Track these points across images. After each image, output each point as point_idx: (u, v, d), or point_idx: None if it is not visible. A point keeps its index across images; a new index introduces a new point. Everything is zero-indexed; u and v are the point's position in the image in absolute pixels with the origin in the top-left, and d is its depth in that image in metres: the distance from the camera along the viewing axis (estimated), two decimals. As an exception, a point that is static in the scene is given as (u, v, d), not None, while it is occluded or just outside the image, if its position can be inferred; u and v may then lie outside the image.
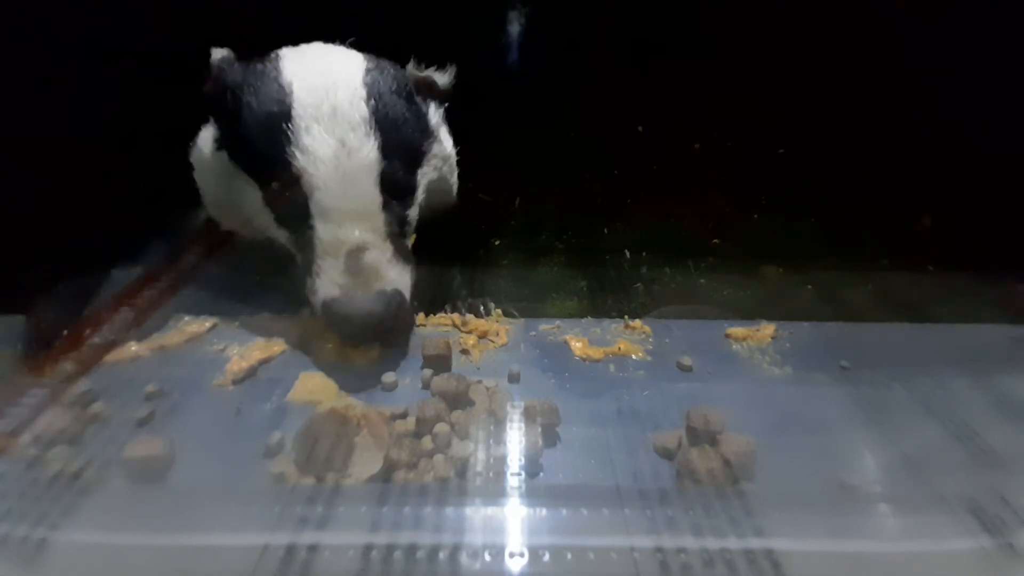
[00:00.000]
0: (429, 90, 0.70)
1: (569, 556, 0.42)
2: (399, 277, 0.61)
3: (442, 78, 0.71)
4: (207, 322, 0.70)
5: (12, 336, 0.68)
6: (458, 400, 0.56)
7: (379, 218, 0.60)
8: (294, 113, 0.59)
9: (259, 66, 0.64)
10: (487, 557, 0.42)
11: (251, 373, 0.62)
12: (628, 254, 0.99)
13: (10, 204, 0.75)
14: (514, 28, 0.96)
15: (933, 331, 0.76)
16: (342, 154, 0.58)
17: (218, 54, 0.66)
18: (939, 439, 0.56)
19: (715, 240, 1.03)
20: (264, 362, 0.64)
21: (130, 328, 0.68)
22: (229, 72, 0.64)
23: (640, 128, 1.01)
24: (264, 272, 0.78)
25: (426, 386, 0.59)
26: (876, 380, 0.64)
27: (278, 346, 0.66)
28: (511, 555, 0.42)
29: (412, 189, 0.65)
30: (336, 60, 0.65)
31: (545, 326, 0.73)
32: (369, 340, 0.63)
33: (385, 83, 0.64)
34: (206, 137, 0.69)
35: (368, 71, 0.64)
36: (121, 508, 0.47)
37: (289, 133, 0.58)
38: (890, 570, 0.43)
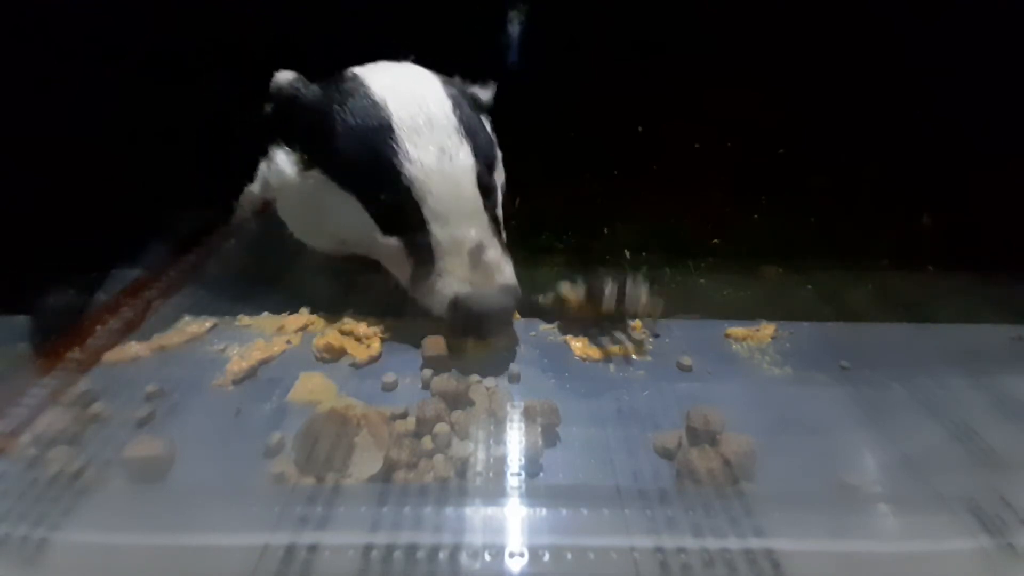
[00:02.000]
0: (478, 105, 0.74)
1: (569, 556, 0.42)
2: (511, 271, 0.65)
3: (484, 93, 0.76)
4: (207, 322, 0.70)
5: (12, 336, 0.68)
6: (458, 400, 0.56)
7: (483, 217, 0.64)
8: (395, 126, 0.62)
9: (341, 86, 0.66)
10: (487, 557, 0.42)
11: (251, 373, 0.62)
12: (628, 254, 0.99)
13: (10, 204, 0.75)
14: (514, 28, 0.96)
15: (933, 331, 0.76)
16: (444, 160, 0.62)
17: (285, 76, 0.67)
18: (939, 439, 0.56)
19: (715, 240, 1.03)
20: (264, 362, 0.64)
21: (130, 328, 0.68)
22: (306, 94, 0.67)
23: (640, 128, 1.01)
24: (264, 272, 0.78)
25: (426, 386, 0.59)
26: (876, 380, 0.63)
27: (278, 346, 0.66)
28: (511, 555, 0.42)
29: (495, 190, 0.69)
30: (414, 76, 0.68)
31: (545, 326, 0.73)
32: (497, 333, 0.64)
33: (460, 95, 0.68)
34: (284, 160, 0.69)
35: (444, 84, 0.68)
36: (121, 508, 0.47)
37: (394, 145, 0.61)
38: (890, 570, 0.43)
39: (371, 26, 0.83)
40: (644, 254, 0.91)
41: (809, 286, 0.91)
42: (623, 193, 1.02)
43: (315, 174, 0.66)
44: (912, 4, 0.91)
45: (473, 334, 0.63)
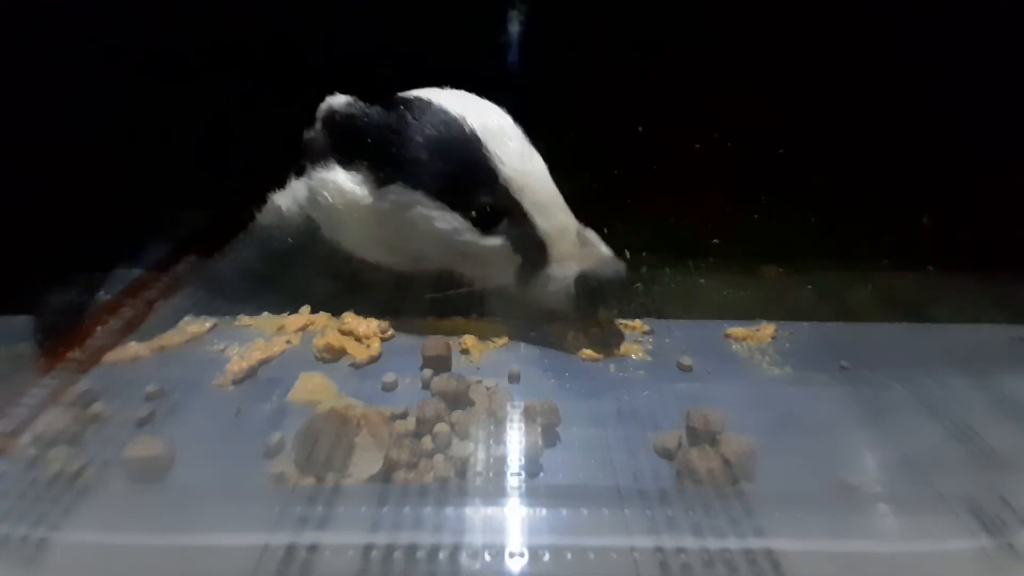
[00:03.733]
0: None
1: (569, 556, 0.42)
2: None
3: None
4: (207, 322, 0.70)
5: (12, 336, 0.68)
6: (458, 400, 0.56)
7: (566, 205, 0.69)
8: (481, 135, 0.66)
9: (410, 105, 0.70)
10: (487, 557, 0.42)
11: (251, 373, 0.62)
12: (628, 254, 0.99)
13: (11, 204, 0.75)
14: (513, 28, 0.96)
15: (933, 331, 0.76)
16: (527, 160, 0.68)
17: (341, 100, 0.70)
18: (939, 439, 0.56)
19: (715, 240, 1.03)
20: (264, 362, 0.64)
21: (130, 328, 0.68)
22: (372, 114, 0.70)
23: (640, 128, 1.01)
24: (264, 273, 0.78)
25: (426, 386, 0.59)
26: (876, 380, 0.64)
27: (278, 346, 0.66)
28: (511, 555, 0.42)
29: None
30: (471, 96, 0.73)
31: (545, 326, 0.73)
32: (618, 299, 0.70)
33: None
34: (347, 179, 0.70)
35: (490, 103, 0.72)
36: (121, 508, 0.47)
37: (484, 152, 0.65)
38: (890, 570, 0.43)
39: (371, 26, 0.83)
40: (644, 254, 0.91)
41: (809, 286, 0.91)
42: (623, 193, 1.02)
43: (395, 189, 0.67)
44: (912, 4, 0.91)
45: (602, 304, 0.68)
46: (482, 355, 0.67)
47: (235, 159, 0.89)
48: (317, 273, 0.75)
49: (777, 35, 0.94)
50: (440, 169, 0.66)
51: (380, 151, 0.67)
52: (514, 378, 0.62)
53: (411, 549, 0.42)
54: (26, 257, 0.76)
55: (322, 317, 0.71)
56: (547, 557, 0.42)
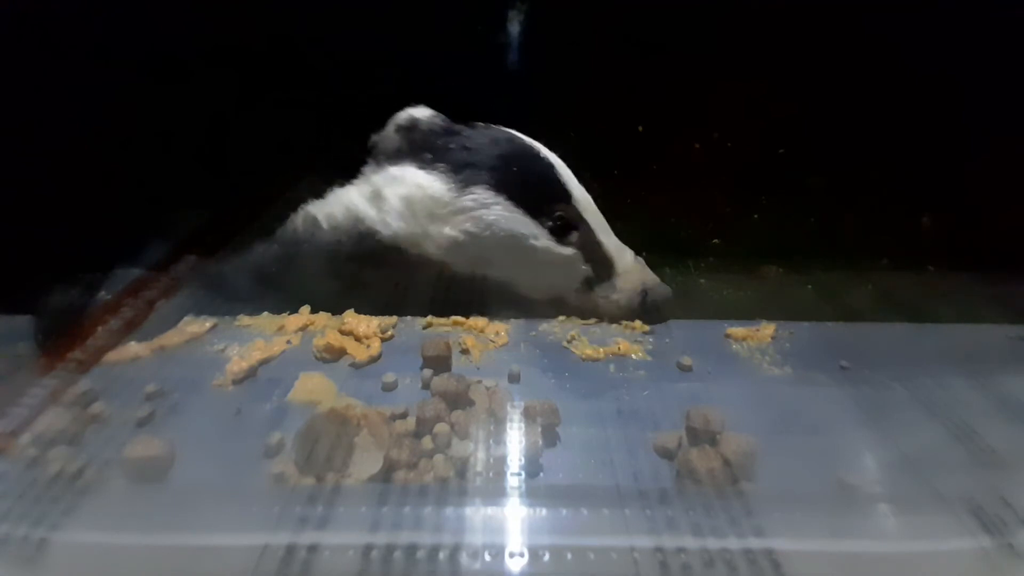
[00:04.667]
0: None
1: (569, 556, 0.42)
2: None
3: None
4: (207, 322, 0.70)
5: (12, 336, 0.68)
6: (458, 400, 0.56)
7: None
8: (555, 162, 0.77)
9: (494, 127, 0.79)
10: (487, 557, 0.42)
11: (251, 373, 0.62)
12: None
13: (12, 204, 0.75)
14: (513, 27, 0.96)
15: (933, 331, 0.76)
16: (583, 189, 0.78)
17: (425, 111, 0.78)
18: (939, 439, 0.56)
19: (715, 240, 1.03)
20: (264, 362, 0.64)
21: (130, 328, 0.68)
22: (454, 127, 0.77)
23: (640, 128, 1.01)
24: (264, 273, 0.78)
25: (426, 386, 0.59)
26: (876, 380, 0.63)
27: (278, 346, 0.66)
28: (511, 555, 0.42)
29: None
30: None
31: (545, 326, 0.73)
32: (667, 316, 0.77)
33: None
34: (429, 177, 0.75)
35: None
36: (121, 508, 0.47)
37: (559, 177, 0.76)
38: (890, 570, 0.43)
39: (372, 26, 0.83)
40: (644, 254, 0.91)
41: (809, 286, 0.91)
42: (623, 193, 1.02)
43: (478, 190, 0.74)
44: (912, 4, 0.91)
45: (657, 318, 0.76)
46: (482, 355, 0.67)
47: (235, 159, 0.89)
48: (359, 279, 0.77)
49: (777, 35, 0.94)
50: (522, 179, 0.73)
51: (464, 157, 0.74)
52: (514, 378, 0.62)
53: (411, 549, 0.42)
54: (26, 257, 0.76)
55: (322, 317, 0.71)
56: (547, 557, 0.42)
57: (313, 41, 0.87)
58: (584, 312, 0.76)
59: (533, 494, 0.48)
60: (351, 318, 0.70)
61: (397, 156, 0.77)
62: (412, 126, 0.76)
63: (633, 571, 0.41)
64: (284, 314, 0.72)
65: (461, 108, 0.81)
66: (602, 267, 0.75)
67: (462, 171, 0.74)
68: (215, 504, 0.46)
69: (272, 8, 0.88)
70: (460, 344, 0.67)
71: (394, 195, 0.75)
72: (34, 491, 0.46)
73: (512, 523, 0.45)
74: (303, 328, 0.70)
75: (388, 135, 0.77)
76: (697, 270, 0.97)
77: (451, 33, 0.89)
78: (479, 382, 0.59)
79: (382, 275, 0.77)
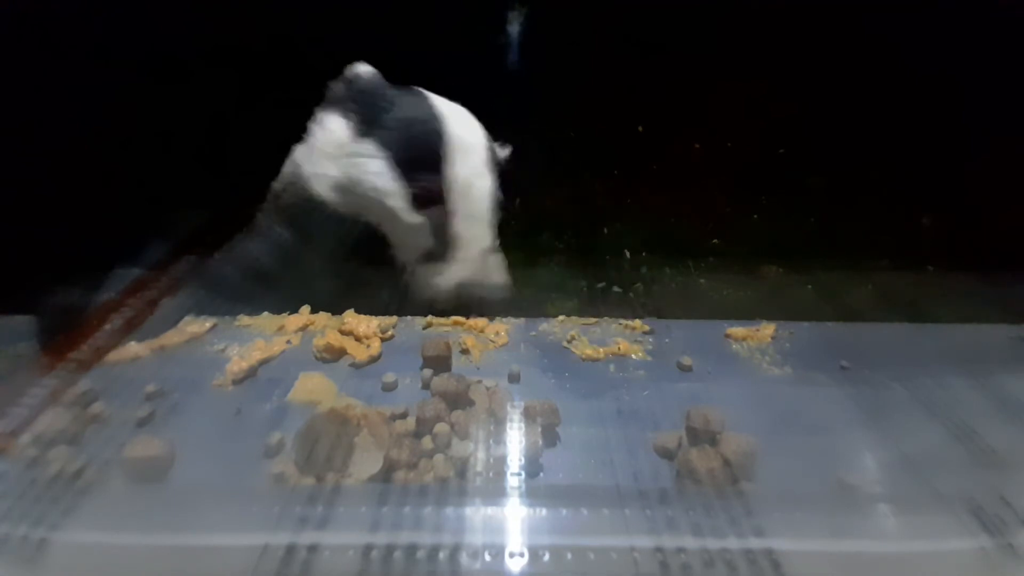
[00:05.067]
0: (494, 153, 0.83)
1: (569, 556, 0.42)
2: (504, 274, 0.75)
3: (501, 152, 0.83)
4: (207, 322, 0.70)
5: (12, 336, 0.68)
6: (458, 400, 0.56)
7: (494, 230, 0.74)
8: (450, 138, 0.73)
9: (411, 92, 0.76)
10: (487, 557, 0.42)
11: (251, 373, 0.62)
12: (628, 254, 0.99)
13: (12, 204, 0.75)
14: (513, 27, 0.96)
15: (933, 331, 0.76)
16: (477, 176, 0.73)
17: (366, 67, 0.76)
18: (939, 439, 0.56)
19: (715, 240, 1.03)
20: (264, 362, 0.64)
21: (130, 328, 0.68)
22: (383, 85, 0.76)
23: (640, 128, 1.01)
24: (264, 273, 0.78)
25: (426, 386, 0.59)
26: (876, 380, 0.64)
27: (278, 346, 0.66)
28: (511, 555, 0.42)
29: (499, 207, 0.77)
30: (460, 108, 0.78)
31: (545, 326, 0.73)
32: (485, 313, 0.77)
33: (488, 138, 0.78)
34: (338, 122, 0.77)
35: (482, 129, 0.78)
36: (121, 508, 0.47)
37: (446, 150, 0.72)
38: (890, 570, 0.43)
39: (372, 26, 0.83)
40: (644, 254, 0.91)
41: (809, 286, 0.91)
42: (623, 193, 1.02)
43: (370, 143, 0.75)
44: (912, 4, 0.91)
45: (465, 313, 0.73)
46: (482, 355, 0.67)
47: (235, 159, 0.89)
48: (301, 230, 0.79)
49: (777, 35, 0.93)
50: (408, 144, 0.74)
51: (372, 112, 0.77)
52: (514, 378, 0.62)
53: (411, 549, 0.42)
54: (26, 257, 0.75)
55: (322, 317, 0.71)
56: (547, 557, 0.42)
57: (313, 41, 0.87)
58: (417, 286, 0.75)
59: (533, 494, 0.48)
60: (351, 318, 0.70)
61: (334, 105, 0.79)
62: (352, 79, 0.78)
63: (633, 571, 0.41)
64: (284, 314, 0.72)
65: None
66: (443, 246, 0.74)
67: (367, 124, 0.77)
68: (215, 504, 0.46)
69: (272, 8, 0.88)
70: (460, 344, 0.67)
71: (312, 137, 0.79)
72: (34, 491, 0.46)
73: (512, 523, 0.45)
74: (303, 328, 0.70)
75: (335, 85, 0.79)
76: (697, 270, 0.97)
77: (451, 33, 0.89)
78: (479, 382, 0.59)
79: (312, 223, 0.78)
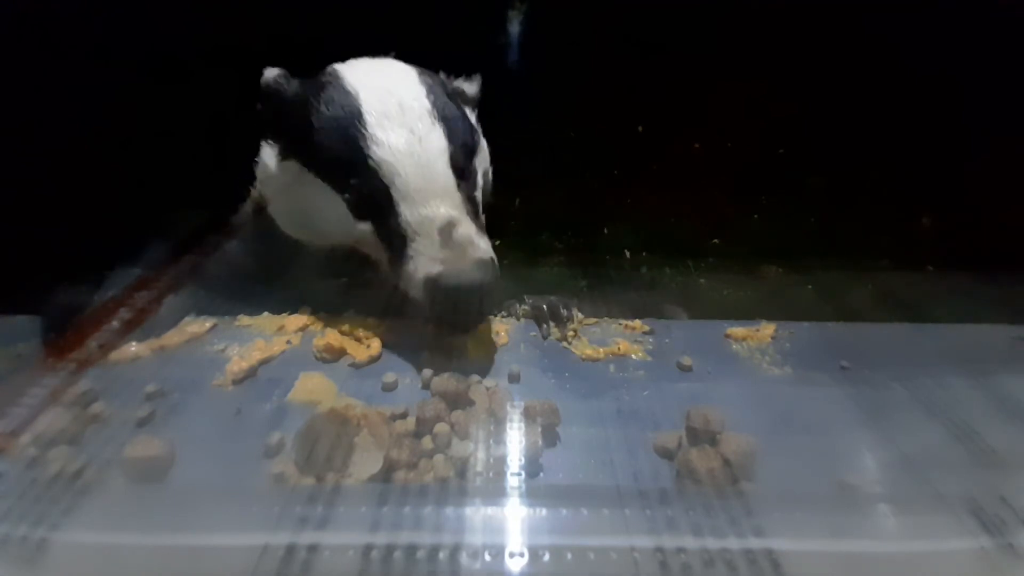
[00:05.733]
0: (462, 96, 0.76)
1: (569, 556, 0.42)
2: (488, 245, 0.63)
3: (470, 87, 0.78)
4: (207, 322, 0.70)
5: (12, 336, 0.68)
6: (458, 400, 0.56)
7: (457, 196, 0.63)
8: (364, 111, 0.64)
9: (318, 79, 0.69)
10: (487, 557, 0.42)
11: (251, 373, 0.62)
12: (628, 254, 0.99)
13: (12, 204, 0.75)
14: (513, 27, 0.96)
15: (933, 331, 0.76)
16: (414, 141, 0.63)
17: (272, 73, 0.70)
18: (939, 439, 0.56)
19: (715, 240, 1.03)
20: (264, 362, 0.64)
21: (130, 328, 0.68)
22: (288, 88, 0.69)
23: (640, 128, 1.01)
24: (264, 272, 0.78)
25: (426, 386, 0.59)
26: (876, 380, 0.63)
27: (278, 346, 0.66)
28: (511, 555, 0.42)
29: (474, 174, 0.69)
30: (390, 68, 0.71)
31: (545, 326, 0.73)
32: (474, 312, 0.63)
33: (437, 85, 0.70)
34: (269, 153, 0.73)
35: (420, 74, 0.70)
36: (121, 508, 0.47)
37: (362, 130, 0.63)
38: (890, 570, 0.43)
39: (371, 26, 0.83)
40: (644, 254, 0.91)
41: (809, 286, 0.91)
42: (623, 193, 1.02)
43: (292, 164, 0.69)
44: (912, 4, 0.91)
45: (451, 316, 0.62)
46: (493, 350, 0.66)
47: (235, 159, 0.89)
48: (280, 265, 0.76)
49: (777, 35, 0.93)
50: (322, 147, 0.65)
51: (286, 125, 0.69)
52: (514, 378, 0.62)
53: (411, 549, 0.42)
54: (26, 257, 0.75)
55: (322, 318, 0.71)
56: (547, 557, 0.42)
57: (313, 41, 0.87)
58: (404, 304, 0.65)
59: (533, 494, 0.48)
60: (351, 319, 0.70)
61: (263, 130, 0.73)
62: (266, 92, 0.70)
63: (633, 571, 0.41)
64: (284, 314, 0.72)
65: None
66: (400, 246, 0.62)
67: (286, 140, 0.70)
68: (215, 504, 0.46)
69: (272, 8, 0.88)
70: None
71: (258, 173, 0.76)
72: (34, 491, 0.46)
73: (512, 523, 0.45)
74: (303, 328, 0.70)
75: (260, 107, 0.72)
76: (697, 270, 0.97)
77: (451, 33, 0.89)
78: (479, 382, 0.59)
79: (282, 255, 0.76)
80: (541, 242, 1.03)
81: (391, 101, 0.64)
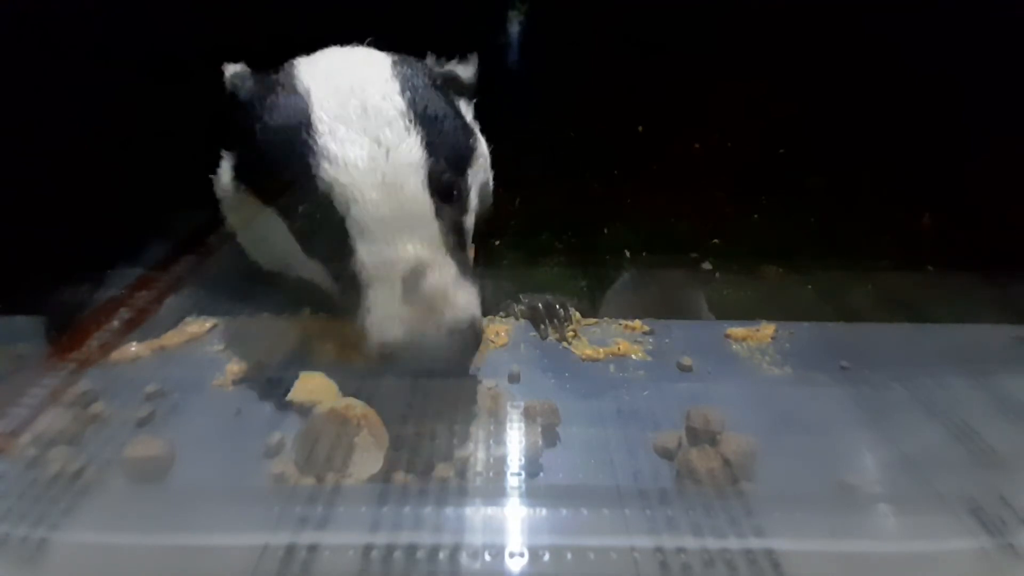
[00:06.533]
0: (454, 84, 0.63)
1: (569, 556, 0.42)
2: (469, 299, 0.50)
3: (465, 71, 0.65)
4: (207, 322, 0.70)
5: (12, 336, 0.68)
6: (458, 400, 0.56)
7: (433, 227, 0.50)
8: (315, 119, 0.51)
9: (271, 77, 0.58)
10: (487, 557, 0.42)
11: (251, 373, 0.62)
12: (628, 254, 0.99)
13: (12, 204, 0.75)
14: (513, 27, 0.96)
15: (933, 331, 0.76)
16: (379, 154, 0.49)
17: (231, 70, 0.59)
18: (939, 439, 0.56)
19: (715, 240, 1.03)
20: (264, 362, 0.64)
21: (130, 328, 0.68)
22: (242, 89, 0.58)
23: (640, 128, 1.01)
24: (264, 273, 0.78)
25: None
26: (876, 380, 0.63)
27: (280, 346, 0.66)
28: (511, 555, 0.42)
29: (465, 192, 0.56)
30: (358, 58, 0.59)
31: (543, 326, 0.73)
32: (436, 375, 0.52)
33: (418, 77, 0.57)
34: (225, 167, 0.62)
35: (395, 64, 0.57)
36: (121, 508, 0.47)
37: (311, 142, 0.50)
38: (890, 570, 0.43)
39: (371, 26, 0.83)
40: (644, 254, 0.91)
41: (809, 286, 0.91)
42: (623, 193, 1.02)
43: (240, 187, 0.58)
44: (912, 4, 0.91)
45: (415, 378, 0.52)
46: (482, 355, 0.66)
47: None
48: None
49: (777, 35, 0.94)
50: (263, 163, 0.53)
51: (236, 138, 0.58)
52: (514, 378, 0.62)
53: (411, 549, 0.42)
54: (26, 257, 0.76)
55: (322, 320, 0.71)
56: (547, 557, 0.42)
57: (313, 41, 0.87)
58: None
59: (533, 494, 0.48)
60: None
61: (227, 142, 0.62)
62: (229, 92, 0.59)
63: (633, 571, 0.41)
64: (284, 315, 0.72)
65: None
66: (353, 291, 0.50)
67: (238, 159, 0.59)
68: (215, 504, 0.46)
69: (272, 8, 0.88)
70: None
71: (216, 190, 0.65)
72: (34, 491, 0.46)
73: (512, 523, 0.45)
74: (302, 329, 0.70)
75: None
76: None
77: (451, 33, 0.89)
78: (479, 382, 0.59)
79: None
80: (541, 242, 1.03)
81: (351, 103, 0.51)
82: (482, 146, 0.64)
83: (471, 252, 0.57)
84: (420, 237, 0.49)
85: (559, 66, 0.96)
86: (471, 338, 0.49)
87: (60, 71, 0.82)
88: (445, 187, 0.52)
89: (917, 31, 0.91)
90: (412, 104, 0.52)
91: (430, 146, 0.51)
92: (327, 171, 0.49)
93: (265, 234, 0.57)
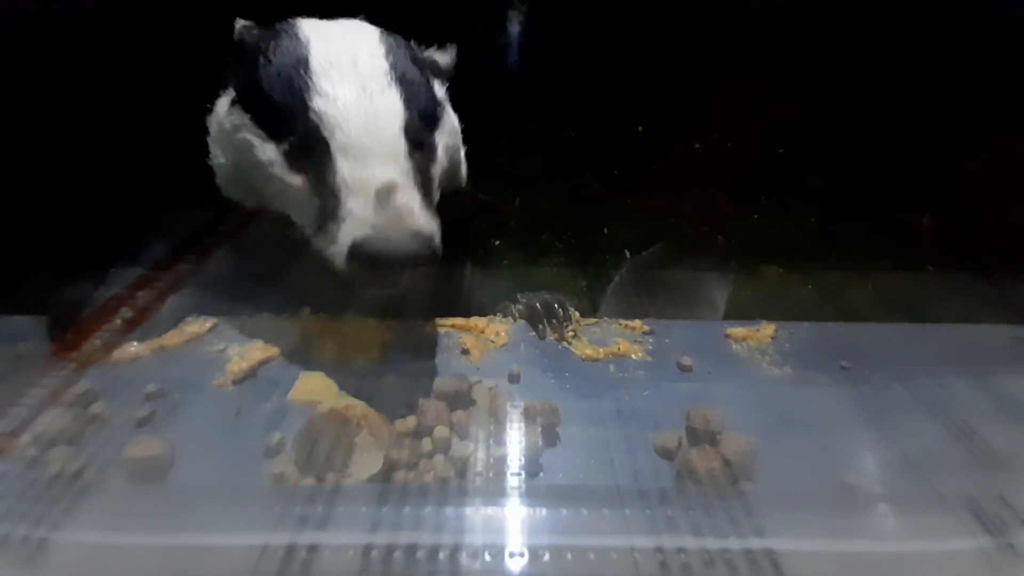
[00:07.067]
0: (432, 66, 0.73)
1: (569, 556, 0.42)
2: (432, 223, 0.57)
3: (442, 57, 0.75)
4: (207, 322, 0.70)
5: (12, 336, 0.68)
6: (458, 400, 0.56)
7: (405, 163, 0.59)
8: (312, 61, 0.61)
9: (276, 27, 0.68)
10: (487, 557, 0.42)
11: (251, 373, 0.62)
12: (628, 254, 0.99)
13: (12, 204, 0.75)
14: (513, 27, 0.96)
15: (933, 331, 0.76)
16: (363, 98, 0.60)
17: (241, 23, 0.70)
18: (939, 439, 0.56)
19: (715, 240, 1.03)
20: (264, 362, 0.64)
21: (131, 328, 0.68)
22: (249, 36, 0.68)
23: (640, 128, 1.01)
24: (264, 273, 0.78)
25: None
26: (876, 380, 0.64)
27: (278, 347, 0.66)
28: (511, 555, 0.42)
29: (432, 147, 0.65)
30: (352, 25, 0.69)
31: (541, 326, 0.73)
32: (398, 284, 0.57)
33: (400, 47, 0.67)
34: (223, 102, 0.70)
35: (383, 34, 0.67)
36: (121, 508, 0.47)
37: (307, 79, 0.60)
38: (890, 570, 0.43)
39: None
40: (644, 254, 0.91)
41: (809, 286, 0.91)
42: (623, 193, 1.02)
43: (235, 110, 0.66)
44: (912, 4, 0.91)
45: (372, 285, 0.58)
46: (482, 355, 0.67)
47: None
48: (278, 265, 0.73)
49: (777, 35, 0.94)
50: (264, 93, 0.62)
51: (237, 72, 0.67)
52: (514, 378, 0.62)
53: (411, 549, 0.42)
54: (26, 257, 0.76)
55: (323, 319, 0.71)
56: (547, 557, 0.42)
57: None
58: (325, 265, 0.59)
59: (533, 494, 0.48)
60: (351, 319, 0.70)
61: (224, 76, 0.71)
62: (237, 41, 0.69)
63: (633, 571, 0.41)
64: (284, 315, 0.72)
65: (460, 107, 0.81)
66: (333, 205, 0.57)
67: (235, 89, 0.68)
68: (215, 504, 0.46)
69: (272, 8, 0.88)
70: (460, 344, 0.67)
71: (210, 125, 0.73)
72: (34, 491, 0.46)
73: (512, 523, 0.45)
74: (302, 329, 0.70)
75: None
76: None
77: (451, 33, 0.89)
78: (479, 382, 0.59)
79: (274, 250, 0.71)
80: (541, 242, 1.03)
81: (344, 55, 0.61)
82: (451, 118, 0.72)
83: (436, 197, 0.64)
84: (392, 166, 0.58)
85: (559, 66, 0.96)
86: (429, 248, 0.55)
87: (60, 71, 0.82)
88: (416, 136, 0.61)
89: (917, 31, 0.91)
90: (394, 67, 0.63)
91: (407, 101, 0.61)
92: (319, 103, 0.59)
93: (251, 161, 0.65)
